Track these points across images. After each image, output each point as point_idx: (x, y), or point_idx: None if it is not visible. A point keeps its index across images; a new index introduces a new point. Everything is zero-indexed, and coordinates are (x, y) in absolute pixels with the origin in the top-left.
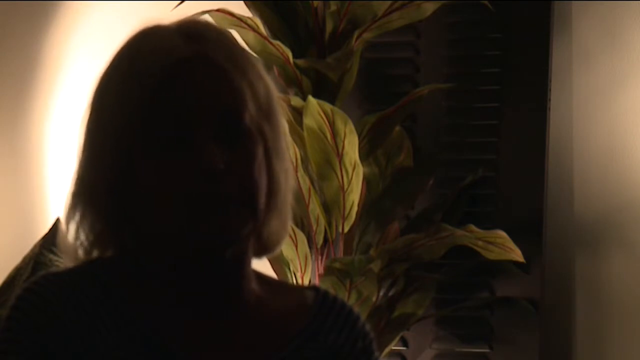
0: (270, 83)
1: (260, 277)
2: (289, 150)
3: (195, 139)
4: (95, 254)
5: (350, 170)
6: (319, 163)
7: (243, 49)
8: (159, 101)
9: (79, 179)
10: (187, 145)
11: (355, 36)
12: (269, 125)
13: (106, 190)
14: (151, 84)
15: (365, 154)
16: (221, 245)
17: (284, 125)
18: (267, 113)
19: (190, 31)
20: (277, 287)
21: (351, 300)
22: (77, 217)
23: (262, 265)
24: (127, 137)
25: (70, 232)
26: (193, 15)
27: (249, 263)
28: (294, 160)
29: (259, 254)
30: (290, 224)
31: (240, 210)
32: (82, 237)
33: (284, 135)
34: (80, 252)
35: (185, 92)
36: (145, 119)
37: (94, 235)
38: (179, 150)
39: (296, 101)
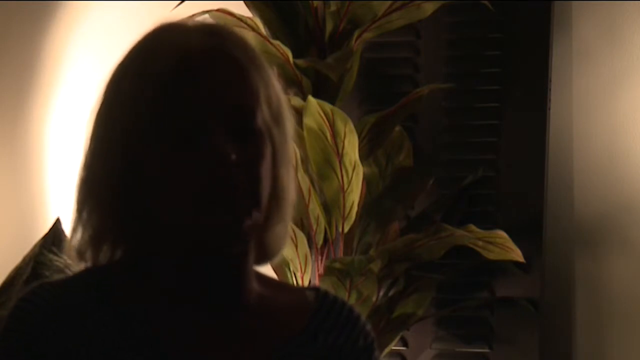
0: (281, 90)
1: (260, 277)
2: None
3: (208, 131)
4: (97, 250)
5: (350, 170)
6: (319, 163)
7: (258, 52)
8: (174, 93)
9: (85, 172)
10: (199, 137)
11: (355, 36)
12: (278, 131)
13: (113, 183)
14: (167, 75)
15: (365, 154)
16: (225, 238)
17: (292, 135)
18: (277, 118)
19: (207, 28)
20: (278, 287)
21: (351, 300)
22: (83, 211)
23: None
24: (139, 128)
25: (75, 225)
26: (189, 16)
27: (251, 264)
28: (294, 161)
29: (260, 261)
30: (288, 234)
31: (244, 205)
32: (87, 232)
33: (291, 145)
34: (85, 249)
35: (201, 85)
36: (159, 109)
37: (97, 228)
38: (191, 141)
39: (296, 101)
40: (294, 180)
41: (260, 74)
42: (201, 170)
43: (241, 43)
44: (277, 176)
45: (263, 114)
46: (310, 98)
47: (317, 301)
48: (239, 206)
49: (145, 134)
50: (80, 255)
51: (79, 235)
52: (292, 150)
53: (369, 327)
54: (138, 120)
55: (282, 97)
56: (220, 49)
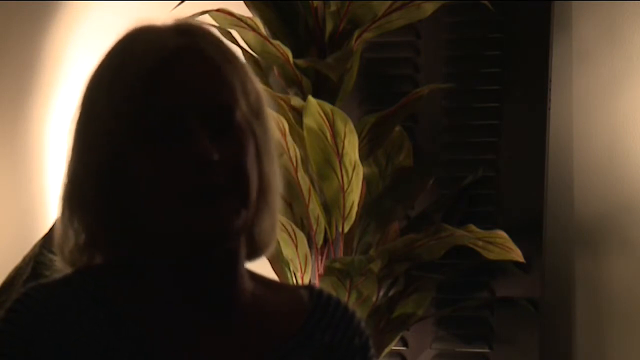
0: (260, 87)
1: (254, 276)
2: (282, 154)
3: (188, 130)
4: (88, 257)
5: (350, 170)
6: (319, 163)
7: (234, 49)
8: (150, 92)
9: (69, 180)
10: (180, 136)
11: (355, 36)
12: (259, 125)
13: (97, 188)
14: (142, 76)
15: (365, 154)
16: (216, 237)
17: (274, 130)
18: (257, 113)
19: (181, 27)
20: (271, 287)
21: (351, 300)
22: (69, 218)
23: (262, 265)
24: (118, 130)
25: (64, 235)
26: (189, 16)
27: (242, 262)
28: (294, 160)
29: (250, 257)
30: (277, 228)
31: (232, 202)
32: (77, 241)
33: (273, 139)
34: (76, 258)
35: (176, 83)
36: (136, 110)
37: (87, 236)
38: (171, 141)
39: (296, 101)
40: (279, 177)
41: (235, 69)
42: (184, 170)
43: (214, 40)
44: (263, 170)
45: (242, 109)
46: (310, 98)
47: (311, 300)
48: (226, 205)
49: (125, 137)
50: (72, 264)
51: (68, 244)
52: (275, 142)
53: (363, 325)
54: (118, 124)
55: (261, 90)
56: (193, 48)
